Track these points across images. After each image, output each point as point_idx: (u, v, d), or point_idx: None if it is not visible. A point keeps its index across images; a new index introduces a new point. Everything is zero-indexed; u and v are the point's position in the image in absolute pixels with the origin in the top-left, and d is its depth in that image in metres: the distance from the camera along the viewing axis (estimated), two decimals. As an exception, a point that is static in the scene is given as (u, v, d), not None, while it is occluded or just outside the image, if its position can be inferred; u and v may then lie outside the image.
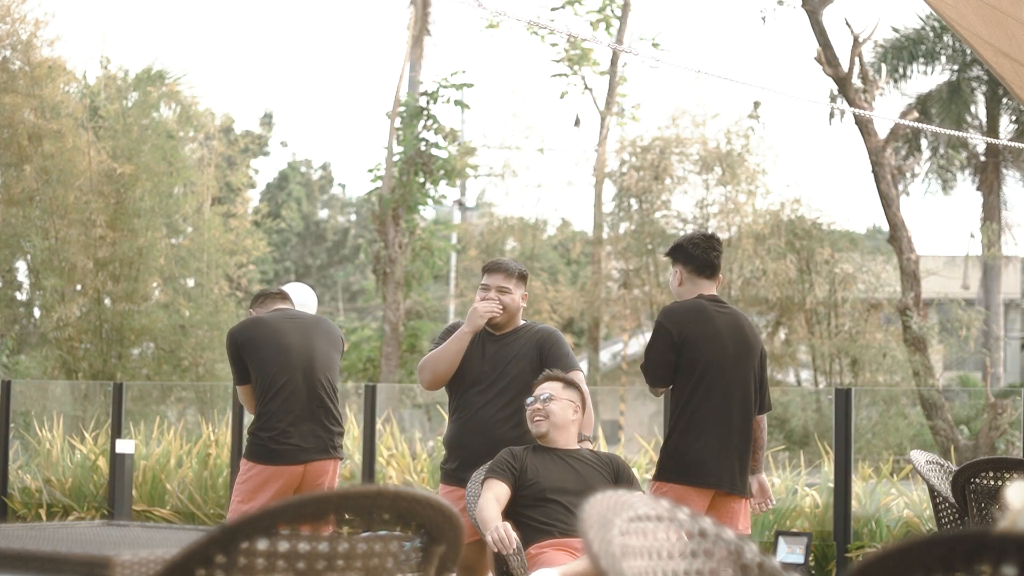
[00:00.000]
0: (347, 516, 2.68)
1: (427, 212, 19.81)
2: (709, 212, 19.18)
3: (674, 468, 5.83)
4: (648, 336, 5.72)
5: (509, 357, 6.10)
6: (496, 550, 5.35)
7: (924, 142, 25.71)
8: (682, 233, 19.33)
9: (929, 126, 23.79)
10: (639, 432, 16.61)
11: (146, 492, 11.65)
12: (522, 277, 6.20)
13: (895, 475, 10.72)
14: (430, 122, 17.62)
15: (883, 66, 22.10)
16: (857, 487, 10.05)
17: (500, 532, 5.34)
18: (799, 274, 18.05)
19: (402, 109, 17.74)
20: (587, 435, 5.93)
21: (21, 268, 18.64)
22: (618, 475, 5.69)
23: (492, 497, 5.53)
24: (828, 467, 10.18)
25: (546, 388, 5.78)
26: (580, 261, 25.16)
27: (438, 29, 18.92)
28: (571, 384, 5.83)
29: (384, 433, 11.84)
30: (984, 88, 25.15)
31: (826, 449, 10.31)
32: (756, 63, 67.60)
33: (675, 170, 19.26)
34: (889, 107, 28.79)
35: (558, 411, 5.75)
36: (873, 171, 15.61)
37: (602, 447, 11.55)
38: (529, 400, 5.80)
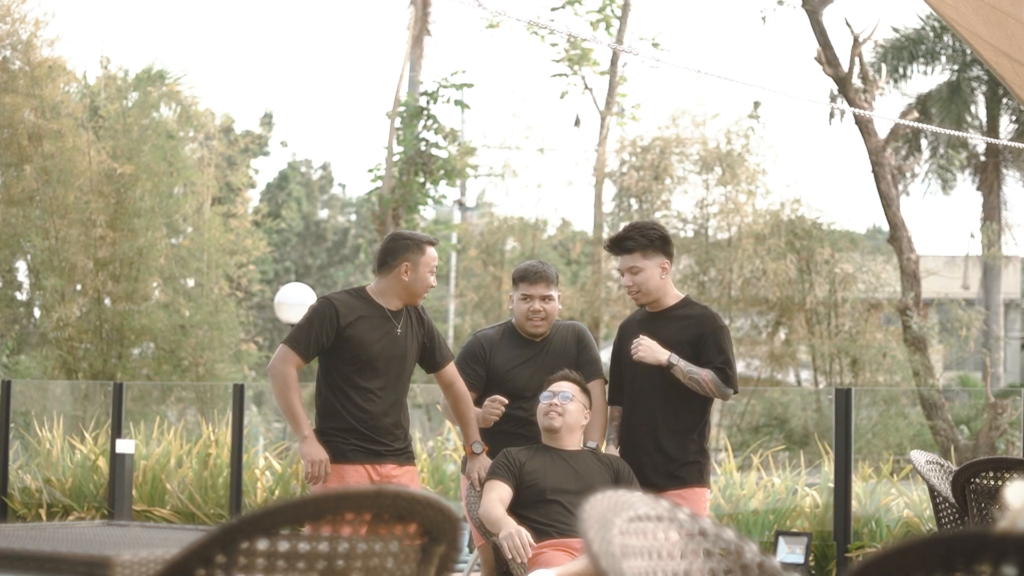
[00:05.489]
0: (347, 516, 2.68)
1: (427, 212, 19.81)
2: (709, 212, 19.17)
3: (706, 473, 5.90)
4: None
5: (560, 361, 6.00)
6: (511, 556, 5.34)
7: (924, 142, 25.70)
8: (682, 234, 19.33)
9: (929, 126, 23.78)
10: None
11: (146, 492, 11.64)
12: (557, 279, 6.12)
13: (895, 475, 10.71)
14: (430, 122, 17.60)
15: (883, 66, 22.11)
16: (857, 487, 10.04)
17: (515, 540, 5.34)
18: (799, 274, 18.04)
19: (402, 109, 17.73)
20: (594, 443, 5.89)
21: (21, 268, 18.65)
22: (619, 477, 5.68)
23: (496, 498, 5.53)
24: (828, 467, 10.17)
25: (566, 388, 5.78)
26: (580, 261, 25.13)
27: (438, 29, 18.92)
28: (586, 390, 5.85)
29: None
30: (984, 88, 25.15)
31: (826, 449, 10.30)
32: (756, 63, 67.63)
33: (675, 170, 19.25)
34: (889, 107, 28.79)
35: (574, 412, 5.75)
36: (873, 171, 15.61)
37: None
38: (546, 395, 5.78)
